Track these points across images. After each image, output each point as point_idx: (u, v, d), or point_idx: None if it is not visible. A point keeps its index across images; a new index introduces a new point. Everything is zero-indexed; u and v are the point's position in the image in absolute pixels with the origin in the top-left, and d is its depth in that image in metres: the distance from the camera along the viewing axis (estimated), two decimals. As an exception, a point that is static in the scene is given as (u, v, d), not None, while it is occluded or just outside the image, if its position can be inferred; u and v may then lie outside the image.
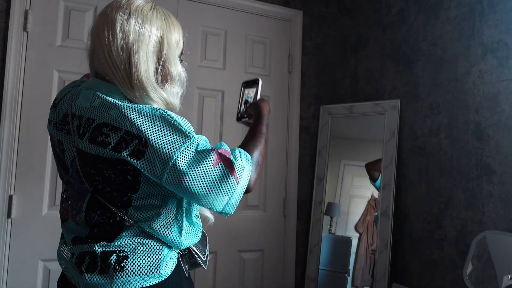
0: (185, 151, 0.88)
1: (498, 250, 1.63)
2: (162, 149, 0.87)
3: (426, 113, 2.12)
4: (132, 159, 0.88)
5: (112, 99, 0.92)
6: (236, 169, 0.91)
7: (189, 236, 1.02)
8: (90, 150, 0.91)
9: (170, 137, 0.88)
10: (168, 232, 0.96)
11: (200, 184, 0.88)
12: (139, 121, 0.88)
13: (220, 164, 0.90)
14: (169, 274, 0.98)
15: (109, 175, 0.91)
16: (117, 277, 0.92)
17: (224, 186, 0.90)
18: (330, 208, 2.43)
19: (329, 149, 2.49)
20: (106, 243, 0.94)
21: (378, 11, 2.49)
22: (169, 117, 0.90)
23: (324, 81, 2.63)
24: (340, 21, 2.70)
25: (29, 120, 1.91)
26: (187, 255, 1.05)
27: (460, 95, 1.96)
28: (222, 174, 0.90)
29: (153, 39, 0.97)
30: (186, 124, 0.91)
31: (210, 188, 0.89)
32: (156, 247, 0.97)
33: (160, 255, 0.96)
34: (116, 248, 0.94)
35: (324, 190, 2.45)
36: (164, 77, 1.00)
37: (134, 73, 0.94)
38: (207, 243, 1.14)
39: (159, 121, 0.89)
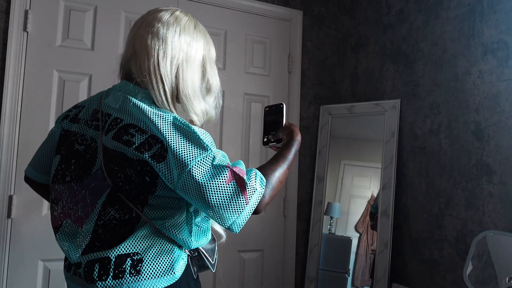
0: (201, 162, 0.90)
1: (498, 250, 1.63)
2: (180, 156, 0.89)
3: (426, 113, 2.12)
4: (153, 161, 0.91)
5: (144, 105, 0.97)
6: (247, 190, 0.92)
7: (199, 238, 1.03)
8: (114, 147, 0.94)
9: (189, 147, 0.91)
10: (179, 232, 0.97)
11: (210, 197, 0.89)
12: (164, 128, 0.93)
13: (233, 182, 0.91)
14: (181, 274, 0.99)
15: (130, 173, 0.93)
16: (133, 282, 0.92)
17: (233, 204, 0.91)
18: (330, 208, 2.43)
19: (329, 149, 2.49)
20: (119, 246, 0.94)
21: (378, 11, 2.49)
22: (189, 129, 0.94)
23: (324, 81, 2.63)
24: (340, 21, 2.70)
25: (29, 120, 1.91)
26: (196, 257, 1.06)
27: (460, 95, 1.96)
28: (233, 192, 0.90)
29: (198, 58, 1.07)
30: (205, 137, 0.95)
31: (219, 203, 0.90)
32: (168, 247, 0.97)
33: (173, 255, 0.97)
34: (129, 249, 0.94)
35: (324, 190, 2.45)
36: (207, 90, 1.10)
37: (182, 88, 1.01)
38: (216, 247, 1.15)
39: (181, 130, 0.93)
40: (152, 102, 0.99)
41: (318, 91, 2.61)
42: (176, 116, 0.96)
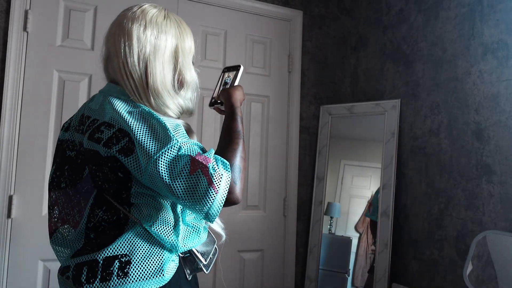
0: (165, 153, 0.88)
1: (498, 250, 1.63)
2: (146, 147, 0.88)
3: (426, 113, 2.12)
4: (121, 156, 0.90)
5: (117, 101, 0.97)
6: (213, 178, 0.87)
7: (189, 239, 1.00)
8: (89, 146, 0.94)
9: (154, 138, 0.89)
10: (166, 235, 0.95)
11: (177, 188, 0.87)
12: (131, 121, 0.91)
13: (198, 172, 0.87)
14: (171, 277, 0.97)
15: (106, 171, 0.93)
16: (120, 284, 0.91)
17: (202, 195, 0.87)
18: (330, 208, 2.43)
19: (329, 149, 2.49)
20: (107, 248, 0.93)
21: (378, 11, 2.49)
22: (154, 120, 0.92)
23: (324, 81, 2.63)
24: (340, 21, 2.70)
25: (29, 120, 1.91)
26: (188, 258, 1.04)
27: (460, 95, 1.96)
28: (199, 182, 0.87)
29: (168, 49, 1.02)
30: (174, 128, 0.93)
31: (187, 194, 0.87)
32: (157, 249, 0.96)
33: (162, 256, 0.96)
34: (118, 251, 0.93)
35: (324, 190, 2.45)
36: (180, 83, 1.05)
37: (151, 82, 0.99)
38: (215, 247, 1.12)
39: (146, 121, 0.92)
40: (129, 98, 0.99)
41: (318, 91, 2.61)
42: (144, 108, 0.95)
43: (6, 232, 1.85)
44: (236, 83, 1.21)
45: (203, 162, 0.88)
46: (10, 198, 1.86)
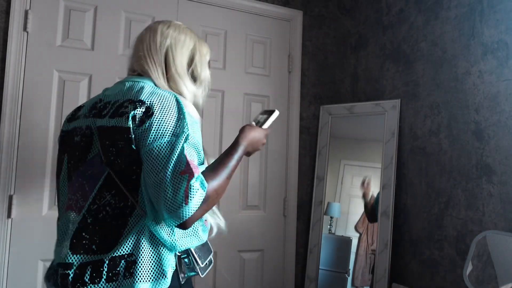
0: (175, 141, 0.91)
1: (498, 250, 1.63)
2: (160, 127, 0.93)
3: (426, 113, 2.12)
4: (133, 124, 0.93)
5: (143, 83, 1.04)
6: (191, 190, 0.87)
7: (187, 238, 1.00)
8: (110, 123, 0.97)
9: (171, 122, 0.94)
10: (165, 231, 0.95)
11: (163, 175, 0.87)
12: (154, 98, 0.97)
13: (185, 176, 0.88)
14: (171, 280, 0.96)
15: (121, 145, 0.95)
16: (126, 285, 0.90)
17: (174, 199, 0.86)
18: (330, 208, 2.43)
19: (329, 149, 2.49)
20: (114, 249, 0.92)
21: (378, 11, 2.49)
22: (180, 105, 0.98)
23: (324, 81, 2.63)
24: (340, 21, 2.70)
25: (29, 120, 1.91)
26: (185, 259, 1.04)
27: (460, 95, 1.96)
28: (181, 185, 0.87)
29: (187, 45, 1.14)
30: (190, 118, 0.98)
31: (164, 185, 0.87)
32: (159, 249, 0.96)
33: (163, 258, 0.96)
34: (124, 251, 0.92)
35: (324, 190, 2.45)
36: (193, 76, 1.15)
37: (170, 64, 1.10)
38: (210, 257, 1.12)
39: (171, 105, 0.97)
40: (154, 85, 1.06)
41: (318, 91, 2.61)
42: (170, 92, 1.02)
43: (6, 232, 1.85)
44: (265, 126, 1.21)
45: (193, 169, 0.89)
46: (10, 198, 1.86)
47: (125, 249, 0.93)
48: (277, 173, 2.46)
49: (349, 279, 2.28)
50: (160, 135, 0.91)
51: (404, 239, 2.17)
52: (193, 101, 1.13)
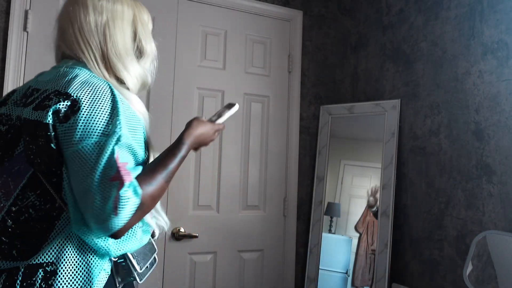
0: (103, 143, 0.80)
1: (498, 250, 1.63)
2: (86, 126, 0.81)
3: (426, 113, 2.12)
4: (55, 119, 0.82)
5: (77, 70, 0.90)
6: (121, 199, 0.77)
7: (124, 242, 0.90)
8: (33, 116, 0.86)
9: (100, 121, 0.82)
10: (96, 236, 0.84)
11: (90, 182, 0.77)
12: (84, 90, 0.85)
13: (115, 183, 0.78)
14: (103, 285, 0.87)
15: (41, 143, 0.84)
16: None
17: (104, 203, 0.77)
18: (330, 208, 2.43)
19: (329, 149, 2.49)
20: (34, 255, 0.81)
21: (378, 11, 2.49)
22: (115, 102, 0.85)
23: (324, 81, 2.63)
24: (340, 21, 2.70)
25: (29, 120, 1.91)
26: (121, 265, 0.93)
27: (460, 95, 1.96)
28: (110, 193, 0.77)
29: (127, 17, 0.99)
30: (127, 119, 0.86)
31: (91, 193, 0.77)
32: (88, 257, 0.85)
33: (92, 266, 0.85)
34: (44, 258, 0.81)
35: (324, 190, 2.45)
36: (139, 52, 1.01)
37: (110, 48, 0.95)
38: (154, 256, 1.03)
39: (103, 100, 0.85)
40: (91, 73, 0.93)
41: (318, 91, 2.61)
42: (106, 83, 0.89)
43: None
44: (220, 121, 1.12)
45: (124, 176, 0.79)
46: None
47: (45, 257, 0.82)
48: (277, 173, 2.46)
49: (349, 279, 2.28)
50: (87, 134, 0.80)
51: (404, 239, 2.17)
52: (141, 83, 1.02)
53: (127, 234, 0.91)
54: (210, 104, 2.30)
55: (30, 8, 1.94)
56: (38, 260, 0.81)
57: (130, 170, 0.82)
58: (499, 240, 1.64)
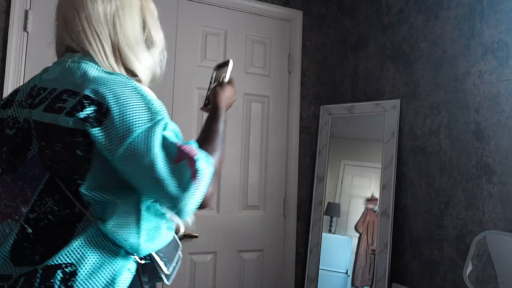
0: (152, 129, 0.77)
1: (498, 250, 1.63)
2: (125, 121, 0.77)
3: (426, 113, 2.12)
4: (87, 125, 0.77)
5: (86, 65, 0.86)
6: (198, 173, 0.77)
7: (152, 241, 0.86)
8: (44, 119, 0.81)
9: (137, 111, 0.78)
10: (125, 234, 0.81)
11: (159, 171, 0.75)
12: (104, 88, 0.80)
13: (183, 162, 0.76)
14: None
15: (58, 148, 0.79)
16: None
17: (182, 187, 0.76)
18: (330, 208, 2.43)
19: (329, 149, 2.49)
20: (52, 257, 0.78)
21: (378, 11, 2.49)
22: (140, 91, 0.82)
23: (324, 81, 2.63)
24: (340, 21, 2.70)
25: (29, 120, 1.91)
26: (147, 265, 0.89)
27: (460, 95, 1.96)
28: (182, 173, 0.76)
29: (135, 5, 0.95)
30: (158, 103, 0.84)
31: (164, 182, 0.75)
32: (110, 259, 0.82)
33: (115, 266, 0.82)
34: (62, 259, 0.78)
35: (324, 190, 2.45)
36: (148, 42, 0.98)
37: (121, 38, 0.90)
38: (179, 255, 1.00)
39: (128, 91, 0.81)
40: (96, 64, 0.88)
41: (318, 91, 2.61)
42: (125, 76, 0.86)
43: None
44: (226, 79, 1.13)
45: (189, 153, 0.78)
46: None
47: (64, 258, 0.78)
48: (277, 173, 2.46)
49: (349, 279, 2.28)
50: (130, 129, 0.76)
51: (404, 239, 2.17)
52: (152, 75, 0.98)
53: (154, 232, 0.87)
54: (210, 104, 2.30)
55: (30, 8, 1.94)
56: (57, 261, 0.78)
57: (190, 145, 0.81)
58: (499, 240, 1.64)
